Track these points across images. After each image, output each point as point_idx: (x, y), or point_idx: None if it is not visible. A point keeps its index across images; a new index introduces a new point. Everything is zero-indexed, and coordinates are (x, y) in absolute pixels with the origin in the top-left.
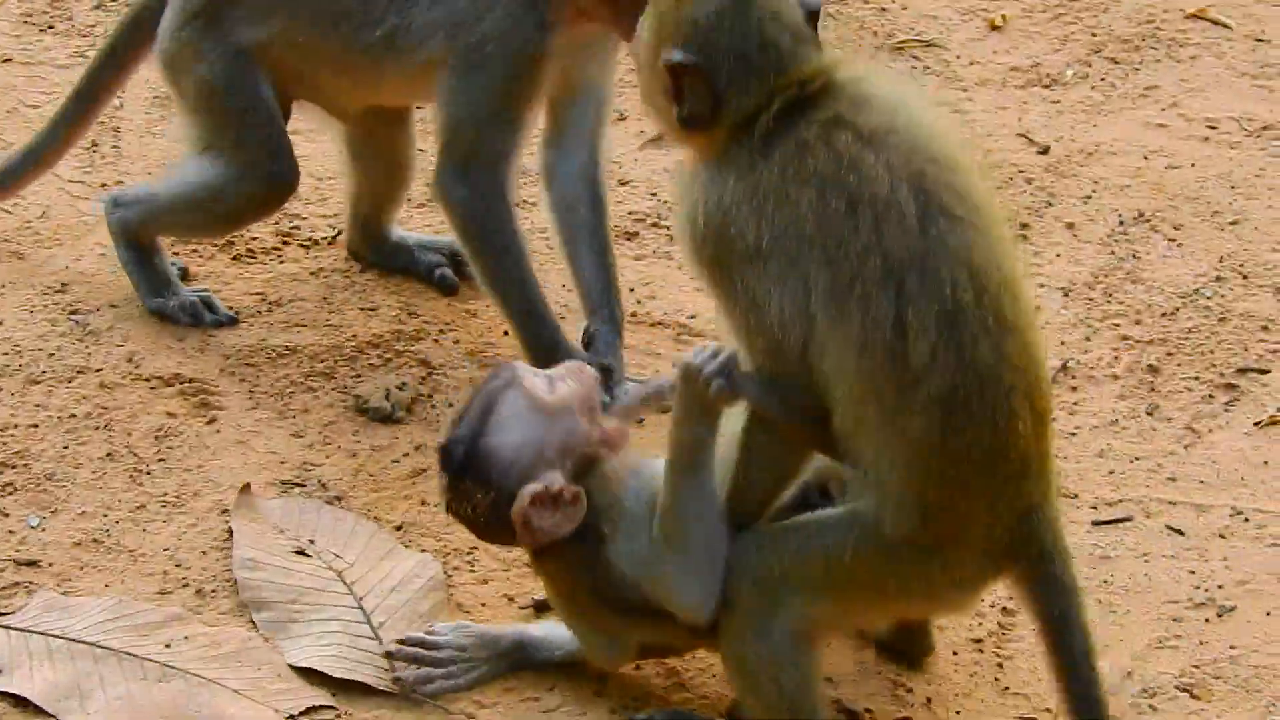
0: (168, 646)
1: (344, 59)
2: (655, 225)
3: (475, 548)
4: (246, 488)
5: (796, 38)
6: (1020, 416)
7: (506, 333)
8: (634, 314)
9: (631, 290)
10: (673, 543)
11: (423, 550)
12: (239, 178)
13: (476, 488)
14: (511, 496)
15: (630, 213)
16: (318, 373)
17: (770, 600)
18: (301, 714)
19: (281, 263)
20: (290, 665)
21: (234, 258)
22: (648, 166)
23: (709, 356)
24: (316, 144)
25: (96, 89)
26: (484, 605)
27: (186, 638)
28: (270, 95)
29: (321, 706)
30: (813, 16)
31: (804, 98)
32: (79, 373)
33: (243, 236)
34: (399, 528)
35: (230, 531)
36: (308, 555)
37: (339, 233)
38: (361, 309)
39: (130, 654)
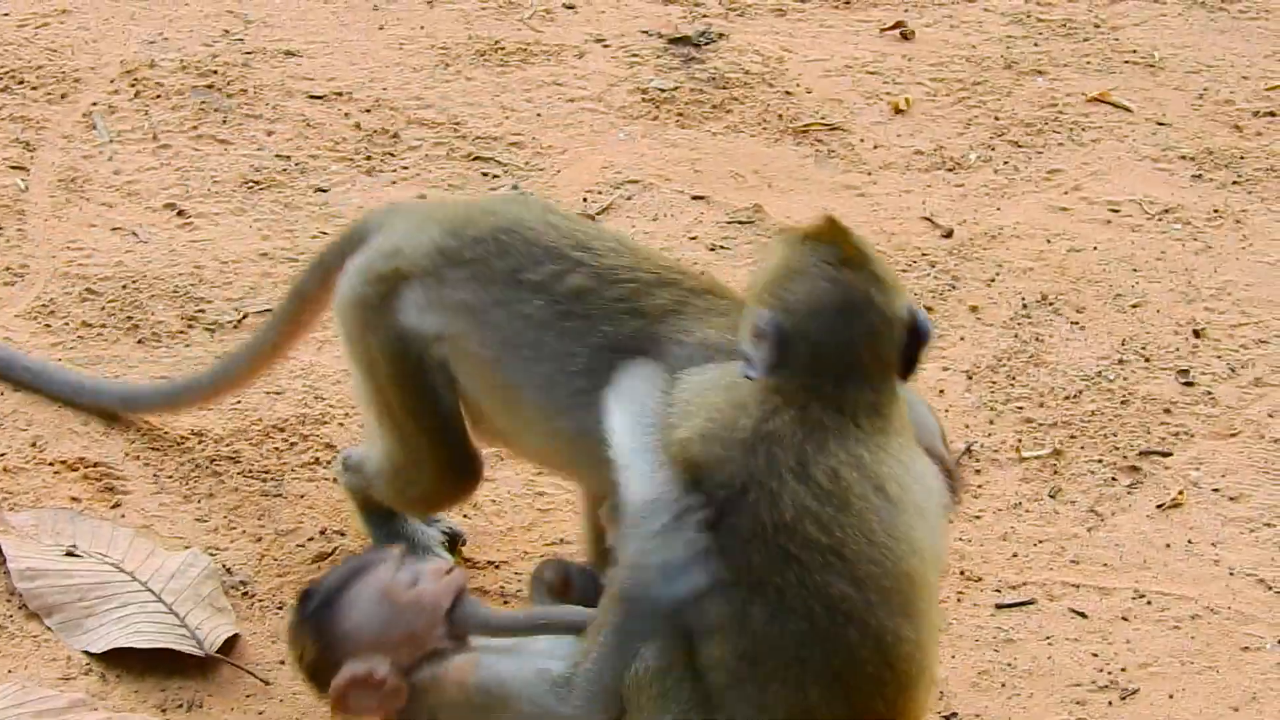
0: None
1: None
2: None
3: None
4: None
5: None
6: None
7: None
8: None
9: None
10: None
11: None
12: (416, 465)
13: (314, 641)
14: (337, 665)
15: None
16: (223, 456)
17: None
18: None
19: (187, 346)
20: (87, 653)
21: (139, 341)
22: None
23: None
24: (221, 226)
25: (277, 330)
26: None
27: None
28: (442, 391)
29: None
30: (916, 340)
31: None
32: None
33: (147, 319)
34: None
35: None
36: (79, 555)
37: (244, 316)
38: (267, 392)
39: None
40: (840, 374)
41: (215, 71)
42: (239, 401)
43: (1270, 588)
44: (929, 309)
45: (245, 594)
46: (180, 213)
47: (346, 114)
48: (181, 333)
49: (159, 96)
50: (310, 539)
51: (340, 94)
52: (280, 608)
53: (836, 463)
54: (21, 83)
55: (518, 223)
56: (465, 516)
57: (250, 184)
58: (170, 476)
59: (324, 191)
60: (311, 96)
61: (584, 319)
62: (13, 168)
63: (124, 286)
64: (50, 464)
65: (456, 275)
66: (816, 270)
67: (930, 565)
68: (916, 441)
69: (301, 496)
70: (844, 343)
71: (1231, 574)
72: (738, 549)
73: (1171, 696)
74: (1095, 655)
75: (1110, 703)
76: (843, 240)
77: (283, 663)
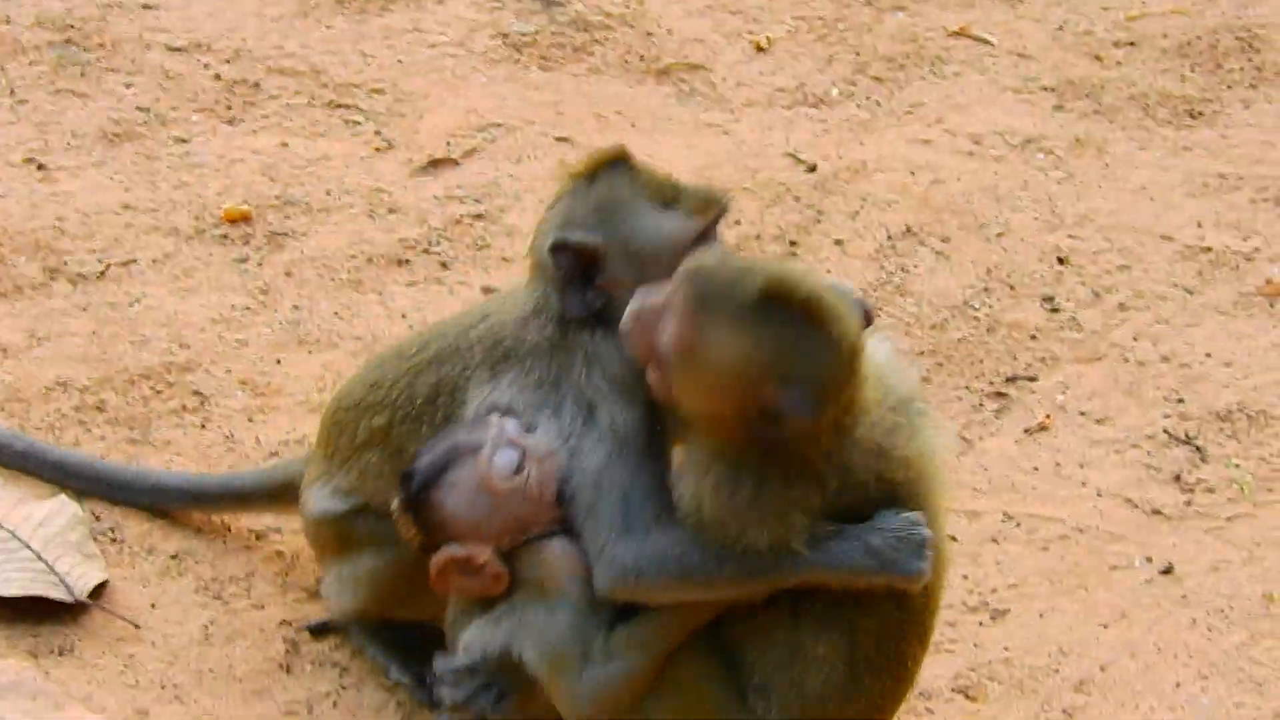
0: None
1: None
2: (425, 252)
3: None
4: None
5: None
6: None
7: (279, 361)
8: None
9: (404, 316)
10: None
11: (196, 590)
12: None
13: (415, 522)
14: (438, 546)
15: (400, 240)
16: (89, 405)
17: None
18: None
19: (49, 298)
20: None
21: (1, 294)
22: (416, 194)
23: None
24: (82, 179)
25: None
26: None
27: None
28: None
29: None
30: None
31: None
32: None
33: (9, 272)
34: (174, 556)
35: None
36: None
37: (107, 267)
38: (132, 341)
39: None
40: None
41: (72, 26)
42: (104, 351)
43: (1137, 507)
44: (794, 243)
45: (114, 540)
46: (40, 166)
47: (206, 65)
48: (44, 285)
49: (16, 52)
50: None
51: (199, 45)
52: (150, 552)
53: None
54: None
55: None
56: None
57: (110, 136)
58: (36, 428)
59: (185, 142)
60: (170, 48)
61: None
62: None
63: None
64: None
65: None
66: None
67: None
68: None
69: (168, 443)
70: None
71: (1099, 495)
72: None
73: (1041, 616)
74: (965, 577)
75: (981, 623)
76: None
77: (154, 606)
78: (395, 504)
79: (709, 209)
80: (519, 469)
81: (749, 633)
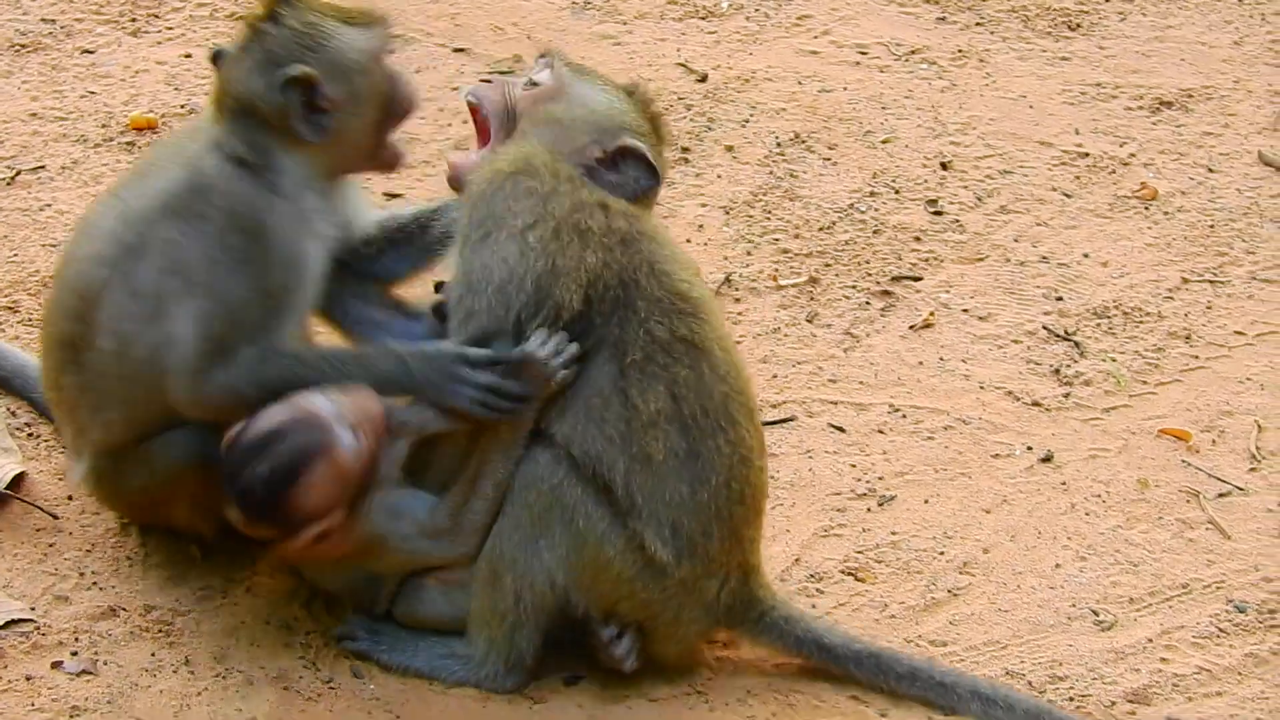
0: None
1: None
2: None
3: None
4: None
5: None
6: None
7: None
8: None
9: None
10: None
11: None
12: None
13: (268, 526)
14: (295, 531)
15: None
16: (3, 307)
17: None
18: (3, 626)
19: None
20: None
21: None
22: None
23: (553, 348)
24: None
25: None
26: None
27: None
28: None
29: (21, 620)
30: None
31: None
32: None
33: None
34: None
35: None
36: None
37: (17, 173)
38: (43, 246)
39: None
40: None
41: None
42: (15, 254)
43: (1018, 399)
44: (686, 149)
45: (30, 434)
46: None
47: None
48: None
49: None
50: None
51: None
52: (62, 449)
53: None
54: None
55: None
56: None
57: (16, 48)
58: None
59: (90, 53)
60: None
61: None
62: None
63: None
64: None
65: None
66: None
67: None
68: None
69: None
70: None
71: (981, 388)
72: None
73: (926, 501)
74: (854, 466)
75: (869, 509)
76: None
77: (70, 498)
78: (235, 517)
79: (384, 21)
80: (359, 440)
81: (590, 423)
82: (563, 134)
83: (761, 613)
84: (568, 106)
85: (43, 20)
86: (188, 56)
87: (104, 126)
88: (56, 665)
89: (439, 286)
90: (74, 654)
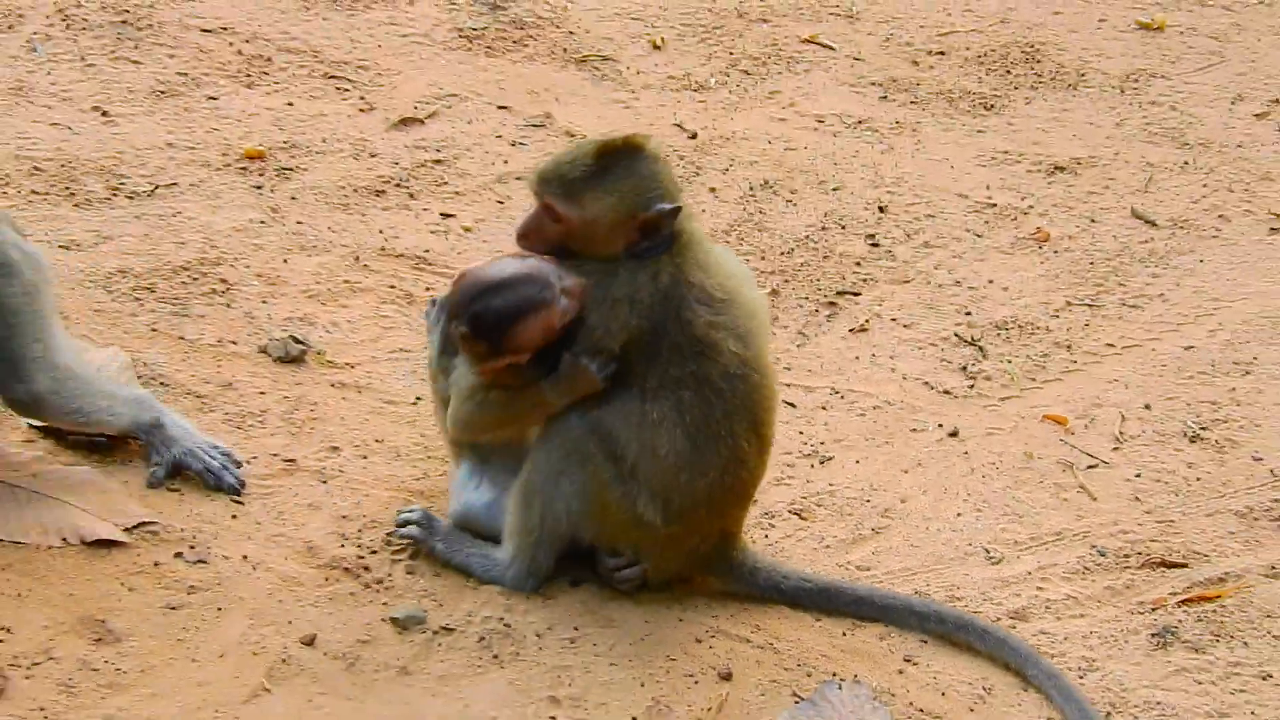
0: (34, 476)
1: None
2: (397, 186)
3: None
4: None
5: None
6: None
7: (286, 260)
8: (382, 249)
9: (380, 232)
10: (479, 408)
11: (223, 421)
12: None
13: (483, 346)
14: (498, 355)
15: (378, 176)
16: (143, 288)
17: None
18: (134, 527)
19: (112, 209)
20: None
21: (75, 205)
22: (390, 144)
23: (598, 367)
24: (136, 124)
25: None
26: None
27: (48, 473)
28: None
29: (147, 523)
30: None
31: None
32: None
33: (81, 189)
34: (201, 396)
35: None
36: None
37: (155, 188)
38: (174, 243)
39: (3, 483)
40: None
41: (128, 10)
42: (153, 249)
43: (933, 388)
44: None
45: (162, 383)
46: (104, 114)
47: (230, 43)
48: (108, 199)
49: (84, 28)
50: (210, 344)
51: (225, 28)
52: (188, 393)
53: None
54: None
55: None
56: (328, 331)
57: (158, 94)
58: (102, 300)
59: (215, 100)
60: (203, 30)
61: None
62: None
63: (62, 166)
64: None
65: None
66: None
67: None
68: None
69: (203, 316)
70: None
71: (904, 379)
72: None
73: (858, 462)
74: (801, 433)
75: (812, 465)
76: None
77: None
78: (461, 331)
79: None
80: (567, 306)
81: (615, 414)
82: (601, 239)
83: (733, 564)
84: (586, 225)
85: (178, 74)
86: (290, 105)
87: (224, 154)
88: (178, 555)
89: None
90: (191, 548)
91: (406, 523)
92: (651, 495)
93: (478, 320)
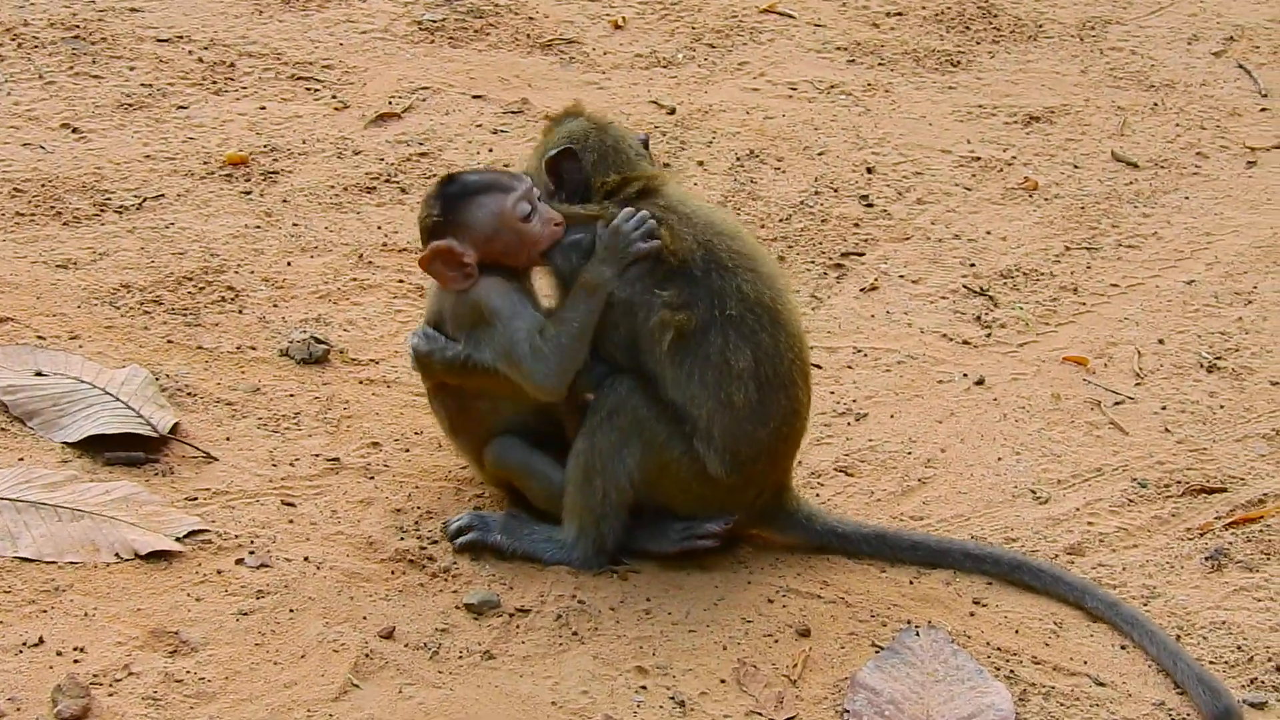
0: (74, 495)
1: None
2: (387, 181)
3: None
4: None
5: (637, 152)
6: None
7: (289, 263)
8: (384, 245)
9: (379, 228)
10: (553, 339)
11: (258, 427)
12: None
13: (438, 213)
14: (442, 235)
15: (366, 173)
16: (150, 300)
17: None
18: (185, 536)
19: (103, 225)
20: (66, 444)
21: (64, 224)
22: (372, 140)
23: (635, 221)
24: (109, 138)
25: None
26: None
27: (86, 490)
28: None
29: (198, 531)
30: (644, 144)
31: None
32: None
33: (67, 207)
34: (231, 404)
35: None
36: (46, 375)
37: (143, 200)
38: (173, 254)
39: (44, 504)
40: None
41: (78, 25)
42: (153, 261)
43: (951, 340)
44: (666, 164)
45: (189, 394)
46: (75, 130)
47: (190, 51)
48: (96, 215)
49: (37, 46)
50: (229, 351)
51: (180, 37)
52: (217, 402)
53: None
54: None
55: None
56: (345, 330)
57: (125, 107)
58: (111, 316)
59: (185, 108)
60: (158, 40)
61: None
62: None
63: (43, 185)
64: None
65: None
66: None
67: None
68: None
69: (217, 324)
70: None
71: (922, 332)
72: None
73: (892, 417)
74: (832, 393)
75: (849, 424)
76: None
77: (229, 439)
78: (429, 194)
79: None
80: (528, 218)
81: (678, 372)
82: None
83: (789, 513)
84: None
85: (142, 85)
86: (262, 109)
87: (205, 163)
88: (239, 561)
89: None
90: (251, 553)
91: (460, 531)
92: (721, 451)
93: (448, 197)
